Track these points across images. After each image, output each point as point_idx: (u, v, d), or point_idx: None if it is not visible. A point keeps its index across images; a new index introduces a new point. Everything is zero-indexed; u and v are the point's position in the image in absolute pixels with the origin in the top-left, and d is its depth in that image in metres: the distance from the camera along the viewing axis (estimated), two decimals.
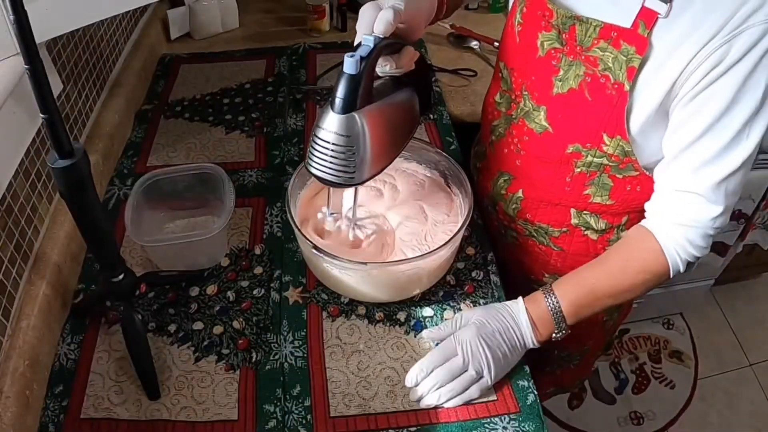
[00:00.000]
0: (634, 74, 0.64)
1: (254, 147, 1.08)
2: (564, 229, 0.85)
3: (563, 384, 1.25)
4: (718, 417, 1.72)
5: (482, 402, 0.72)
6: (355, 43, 0.62)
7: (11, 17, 0.48)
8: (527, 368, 0.76)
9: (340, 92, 0.61)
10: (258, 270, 0.86)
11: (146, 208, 0.86)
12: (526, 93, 0.77)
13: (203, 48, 1.38)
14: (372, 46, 0.60)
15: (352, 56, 0.59)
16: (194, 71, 1.28)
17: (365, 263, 0.73)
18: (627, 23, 0.63)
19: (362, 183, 0.66)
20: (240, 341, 0.77)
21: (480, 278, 0.86)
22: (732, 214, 1.60)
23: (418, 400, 0.71)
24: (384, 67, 0.65)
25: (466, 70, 1.30)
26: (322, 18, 1.40)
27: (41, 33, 0.70)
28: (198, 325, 0.79)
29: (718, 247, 1.62)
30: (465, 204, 0.81)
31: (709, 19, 0.58)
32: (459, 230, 0.75)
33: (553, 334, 0.75)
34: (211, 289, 0.84)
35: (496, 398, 0.72)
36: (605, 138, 0.71)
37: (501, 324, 0.73)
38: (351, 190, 0.77)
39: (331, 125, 0.62)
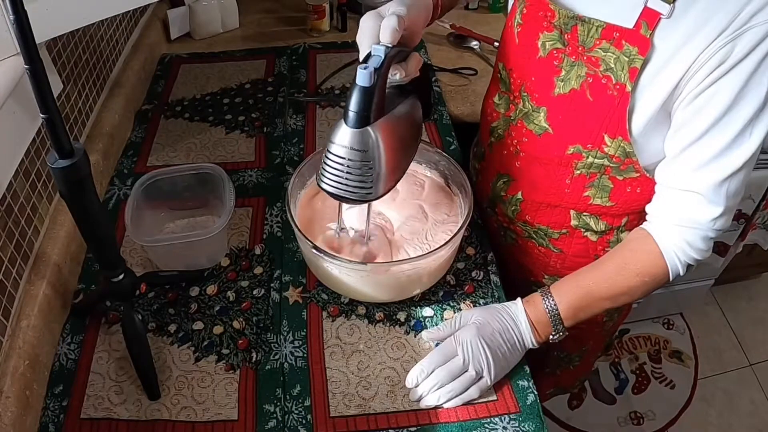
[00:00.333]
0: (636, 75, 0.64)
1: (254, 147, 1.08)
2: (564, 231, 0.85)
3: (563, 385, 1.24)
4: (718, 417, 1.72)
5: (482, 402, 0.72)
6: (361, 54, 0.61)
7: (11, 17, 0.48)
8: (527, 368, 0.76)
9: (354, 106, 0.59)
10: (258, 270, 0.86)
11: (146, 208, 0.86)
12: (525, 94, 0.77)
13: (203, 48, 1.38)
14: (383, 56, 0.58)
15: (365, 68, 0.57)
16: (194, 71, 1.29)
17: (365, 263, 0.73)
18: (629, 24, 0.63)
19: (378, 198, 0.64)
20: (240, 341, 0.77)
21: (480, 278, 0.86)
22: None
23: (418, 400, 0.71)
24: (394, 76, 0.64)
25: (467, 68, 1.30)
26: (322, 18, 1.40)
27: (41, 33, 0.70)
28: (198, 325, 0.79)
29: (718, 247, 1.62)
30: (465, 204, 0.81)
31: (713, 19, 0.58)
32: (459, 230, 0.75)
33: (551, 336, 0.75)
34: (211, 289, 0.84)
35: (496, 398, 0.72)
36: (606, 139, 0.70)
37: (501, 324, 0.73)
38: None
39: (345, 140, 0.60)
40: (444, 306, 0.82)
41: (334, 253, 0.72)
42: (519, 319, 0.74)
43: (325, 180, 0.63)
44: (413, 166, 0.91)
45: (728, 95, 0.60)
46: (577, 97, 0.70)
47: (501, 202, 0.89)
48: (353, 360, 0.76)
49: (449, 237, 0.76)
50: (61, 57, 0.92)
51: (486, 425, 0.70)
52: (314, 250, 0.72)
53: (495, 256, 0.89)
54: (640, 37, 0.62)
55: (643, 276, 0.71)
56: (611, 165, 0.73)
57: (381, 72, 0.58)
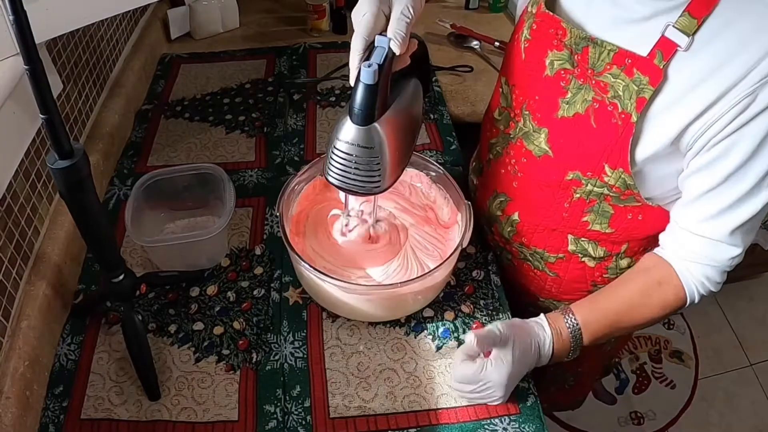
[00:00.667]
0: (643, 106, 0.61)
1: (254, 147, 1.08)
2: (560, 255, 0.82)
3: (558, 402, 1.23)
4: (718, 417, 1.71)
5: (482, 403, 0.72)
6: (356, 44, 0.60)
7: (11, 17, 0.48)
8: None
9: (360, 103, 0.58)
10: (258, 270, 0.86)
11: (146, 208, 0.86)
12: (527, 113, 0.74)
13: (203, 48, 1.38)
14: (386, 48, 0.58)
15: (369, 66, 0.56)
16: (194, 71, 1.28)
17: (367, 285, 0.73)
18: (644, 51, 0.60)
19: (386, 190, 0.64)
20: (240, 342, 0.77)
21: (480, 278, 0.86)
22: None
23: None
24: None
25: (463, 66, 1.30)
26: (322, 18, 1.40)
27: (41, 33, 0.70)
28: (198, 326, 0.79)
29: None
30: (463, 217, 0.79)
31: (735, 61, 0.55)
32: (456, 249, 0.74)
33: (567, 356, 0.73)
34: (211, 290, 0.84)
35: None
36: (607, 169, 0.67)
37: (530, 347, 0.70)
38: None
39: (352, 138, 0.60)
40: (444, 306, 0.82)
41: (334, 275, 0.71)
42: (545, 336, 0.72)
43: (332, 174, 0.63)
44: (415, 172, 0.89)
45: (748, 146, 0.58)
46: (581, 122, 0.67)
47: (497, 222, 0.86)
48: (353, 361, 0.76)
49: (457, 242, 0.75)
50: (61, 57, 0.92)
51: (486, 426, 0.69)
52: (309, 270, 0.71)
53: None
54: (652, 67, 0.59)
55: (666, 308, 0.71)
56: (611, 194, 0.70)
57: (385, 67, 0.57)
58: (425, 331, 0.79)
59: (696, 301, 0.71)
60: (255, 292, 0.83)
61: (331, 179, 0.63)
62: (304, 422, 0.70)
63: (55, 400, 0.71)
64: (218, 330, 0.79)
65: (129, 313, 0.73)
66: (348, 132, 0.60)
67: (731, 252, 0.66)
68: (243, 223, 0.94)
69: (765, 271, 1.99)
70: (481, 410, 0.71)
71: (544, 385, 1.08)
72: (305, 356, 0.76)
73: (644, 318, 0.73)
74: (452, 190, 0.82)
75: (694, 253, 0.68)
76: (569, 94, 0.68)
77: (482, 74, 1.29)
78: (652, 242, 0.75)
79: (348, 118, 0.60)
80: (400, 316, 0.80)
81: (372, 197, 0.75)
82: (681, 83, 0.59)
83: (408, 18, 0.59)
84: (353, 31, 0.61)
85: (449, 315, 0.81)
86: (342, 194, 0.77)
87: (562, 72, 0.68)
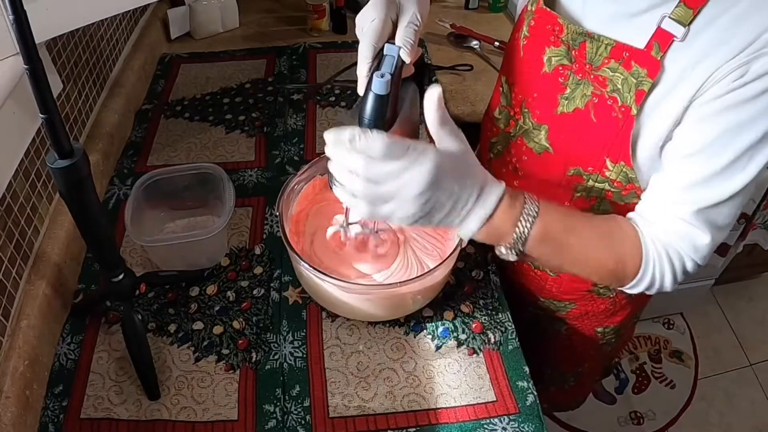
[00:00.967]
0: (642, 98, 0.60)
1: (254, 147, 1.08)
2: None
3: (558, 402, 1.23)
4: (718, 417, 1.71)
5: (482, 403, 0.72)
6: (365, 52, 0.58)
7: (11, 17, 0.48)
8: (527, 369, 0.76)
9: (370, 114, 0.56)
10: (258, 270, 0.86)
11: (146, 207, 0.86)
12: (526, 110, 0.73)
13: (203, 48, 1.38)
14: (396, 56, 0.57)
15: (382, 76, 0.55)
16: (194, 71, 1.28)
17: (365, 284, 0.72)
18: (641, 44, 0.60)
19: None
20: (240, 341, 0.77)
21: (480, 278, 0.86)
22: None
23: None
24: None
25: (462, 65, 1.30)
26: (322, 17, 1.40)
27: (41, 33, 0.70)
28: (198, 325, 0.79)
29: (718, 247, 1.62)
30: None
31: (728, 43, 0.54)
32: (456, 248, 0.73)
33: (500, 249, 0.61)
34: (211, 289, 0.84)
35: (495, 399, 0.72)
36: (608, 163, 0.67)
37: (462, 189, 0.55)
38: None
39: None
40: (444, 306, 0.82)
41: (335, 276, 0.70)
42: (497, 185, 0.58)
43: (338, 185, 0.60)
44: None
45: (728, 119, 0.56)
46: (581, 117, 0.67)
47: None
48: (353, 360, 0.76)
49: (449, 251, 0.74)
50: (60, 57, 0.92)
51: (485, 426, 0.70)
52: (316, 273, 0.70)
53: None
54: (650, 59, 0.59)
55: (617, 262, 0.64)
56: (612, 190, 0.70)
57: (395, 77, 0.56)
58: (425, 330, 0.79)
59: (645, 281, 0.65)
60: (255, 292, 0.83)
61: (336, 191, 0.61)
62: (303, 422, 0.70)
63: (54, 399, 0.71)
64: (218, 329, 0.79)
65: (129, 312, 0.74)
66: None
67: (698, 237, 0.62)
68: (243, 223, 0.94)
69: (765, 271, 1.99)
70: (480, 410, 0.71)
71: (543, 385, 1.08)
72: (305, 356, 0.76)
73: (594, 255, 0.63)
74: None
75: (662, 229, 0.64)
76: (568, 90, 0.68)
77: (482, 74, 1.30)
78: None
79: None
80: (399, 316, 0.80)
81: None
82: (675, 72, 0.59)
83: (416, 26, 0.58)
84: (355, 33, 0.60)
85: (449, 315, 0.81)
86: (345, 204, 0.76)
87: (560, 68, 0.68)
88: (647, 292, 0.68)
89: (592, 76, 0.65)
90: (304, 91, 1.22)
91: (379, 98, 0.56)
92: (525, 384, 0.74)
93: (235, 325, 0.79)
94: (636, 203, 0.70)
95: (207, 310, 0.81)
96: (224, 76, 1.27)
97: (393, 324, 0.80)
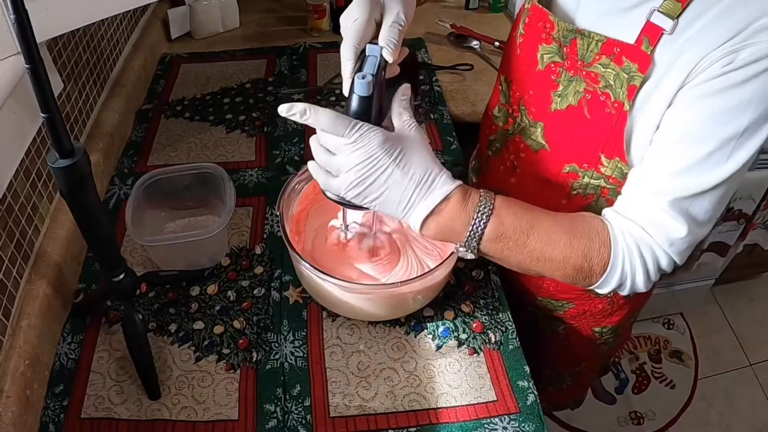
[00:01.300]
0: (634, 93, 0.60)
1: (255, 146, 1.08)
2: None
3: (555, 402, 1.22)
4: (718, 417, 1.71)
5: (482, 402, 0.72)
6: (347, 53, 0.58)
7: (12, 17, 0.48)
8: (527, 369, 0.76)
9: (355, 115, 0.57)
10: (258, 269, 0.87)
11: (147, 207, 0.86)
12: (523, 108, 0.74)
13: (203, 48, 1.38)
14: (378, 57, 0.57)
15: (363, 77, 0.55)
16: (194, 71, 1.29)
17: (365, 284, 0.72)
18: (630, 39, 0.59)
19: None
20: (240, 341, 0.77)
21: (480, 278, 0.86)
22: (732, 213, 1.60)
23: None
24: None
25: (463, 65, 1.30)
26: (322, 17, 1.40)
27: (42, 32, 0.70)
28: (198, 325, 0.79)
29: (718, 247, 1.62)
30: None
31: (715, 33, 0.54)
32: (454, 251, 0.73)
33: (458, 245, 0.61)
34: (211, 289, 0.84)
35: (496, 398, 0.72)
36: (603, 159, 0.67)
37: (408, 171, 0.57)
38: None
39: None
40: (444, 306, 0.82)
41: (335, 276, 0.70)
42: (435, 188, 0.58)
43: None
44: None
45: (714, 104, 0.55)
46: (575, 114, 0.67)
47: None
48: (353, 360, 0.76)
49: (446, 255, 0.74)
50: (61, 56, 0.92)
51: (486, 425, 0.70)
52: (316, 273, 0.70)
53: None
54: (640, 54, 0.59)
55: (585, 259, 0.62)
56: (608, 186, 0.69)
57: (378, 77, 0.57)
58: (425, 330, 0.79)
59: (614, 278, 0.63)
60: (255, 292, 0.83)
61: (329, 195, 0.62)
62: (304, 421, 0.70)
63: (55, 399, 0.71)
64: (218, 329, 0.79)
65: (129, 312, 0.74)
66: None
67: (673, 228, 0.60)
68: (243, 223, 0.94)
69: (765, 271, 1.99)
70: (480, 409, 0.71)
71: (541, 385, 1.08)
72: (305, 355, 0.76)
73: (556, 251, 0.61)
74: None
75: (637, 216, 0.62)
76: (561, 87, 0.68)
77: (482, 74, 1.30)
78: None
79: None
80: (400, 316, 0.80)
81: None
82: (665, 65, 0.58)
83: (400, 25, 0.58)
84: (340, 32, 0.60)
85: (449, 314, 0.81)
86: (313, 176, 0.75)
87: (552, 65, 0.68)
88: (620, 292, 0.66)
89: (584, 73, 0.65)
90: (304, 92, 1.22)
91: (362, 99, 0.57)
92: (525, 383, 0.74)
93: (236, 324, 0.79)
94: None
95: (207, 310, 0.81)
96: (224, 76, 1.27)
97: (393, 324, 0.80)
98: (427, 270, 0.72)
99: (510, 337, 0.79)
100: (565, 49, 0.66)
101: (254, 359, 0.76)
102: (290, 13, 1.52)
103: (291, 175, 0.91)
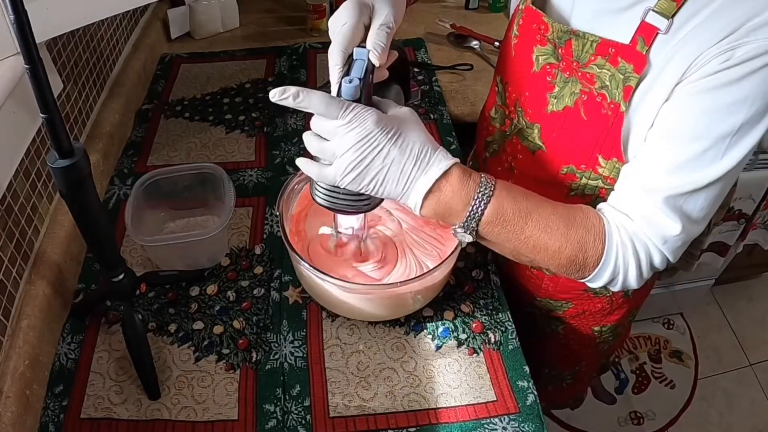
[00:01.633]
0: (630, 94, 0.60)
1: (254, 147, 1.08)
2: None
3: (555, 401, 1.22)
4: (718, 417, 1.71)
5: (482, 402, 0.72)
6: (334, 57, 0.58)
7: (11, 17, 0.48)
8: (527, 369, 0.76)
9: None
10: (258, 270, 0.87)
11: (146, 207, 0.86)
12: (519, 109, 0.73)
13: (203, 48, 1.38)
14: (366, 60, 0.56)
15: (350, 81, 0.55)
16: (194, 71, 1.28)
17: (365, 284, 0.72)
18: (625, 39, 0.59)
19: (375, 207, 0.62)
20: (240, 341, 0.77)
21: (480, 278, 0.86)
22: (732, 213, 1.59)
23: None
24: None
25: (463, 65, 1.30)
26: (322, 17, 1.40)
27: (41, 33, 0.70)
28: (198, 325, 0.79)
29: (718, 247, 1.62)
30: None
31: (711, 32, 0.54)
32: (456, 248, 0.73)
33: (456, 227, 0.60)
34: (211, 289, 0.84)
35: (495, 398, 0.72)
36: (600, 160, 0.66)
37: (407, 153, 0.56)
38: None
39: None
40: (444, 306, 0.82)
41: (333, 275, 0.70)
42: (431, 170, 0.57)
43: (319, 194, 0.61)
44: None
45: (709, 101, 0.55)
46: (571, 115, 0.67)
47: None
48: (353, 360, 0.76)
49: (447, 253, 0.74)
50: (61, 56, 0.92)
51: (486, 426, 0.70)
52: (309, 270, 0.70)
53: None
54: (636, 54, 0.58)
55: (579, 250, 0.61)
56: (606, 187, 0.69)
57: (366, 81, 0.56)
58: (425, 330, 0.79)
59: (607, 272, 0.62)
60: (255, 292, 0.83)
61: (318, 200, 0.61)
62: (303, 421, 0.70)
63: (55, 399, 0.71)
64: (218, 329, 0.79)
65: (129, 312, 0.74)
66: None
67: (667, 226, 0.60)
68: (243, 223, 0.94)
69: (765, 271, 1.99)
70: (480, 409, 0.71)
71: (541, 384, 1.08)
72: (305, 355, 0.76)
73: (552, 240, 0.61)
74: None
75: (632, 212, 0.62)
76: (556, 89, 0.67)
77: (482, 74, 1.30)
78: None
79: None
80: (399, 316, 0.80)
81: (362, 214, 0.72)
82: (660, 64, 0.58)
83: (389, 28, 0.58)
84: (328, 35, 0.60)
85: (449, 314, 0.81)
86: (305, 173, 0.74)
87: (548, 67, 0.68)
88: (612, 288, 0.66)
89: (579, 74, 0.64)
90: None
91: None
92: (525, 383, 0.74)
93: (236, 324, 0.79)
94: None
95: (207, 310, 0.81)
96: (224, 76, 1.27)
97: (393, 324, 0.80)
98: (426, 270, 0.72)
99: (509, 337, 0.79)
100: (560, 50, 0.66)
101: (254, 359, 0.76)
102: (290, 13, 1.52)
103: (290, 175, 0.91)
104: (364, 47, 0.58)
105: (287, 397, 0.72)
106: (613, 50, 0.60)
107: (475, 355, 0.77)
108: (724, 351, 1.89)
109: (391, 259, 0.78)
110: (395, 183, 0.56)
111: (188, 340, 0.78)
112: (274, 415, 0.70)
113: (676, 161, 0.58)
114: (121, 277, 0.72)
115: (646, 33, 0.58)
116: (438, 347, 0.78)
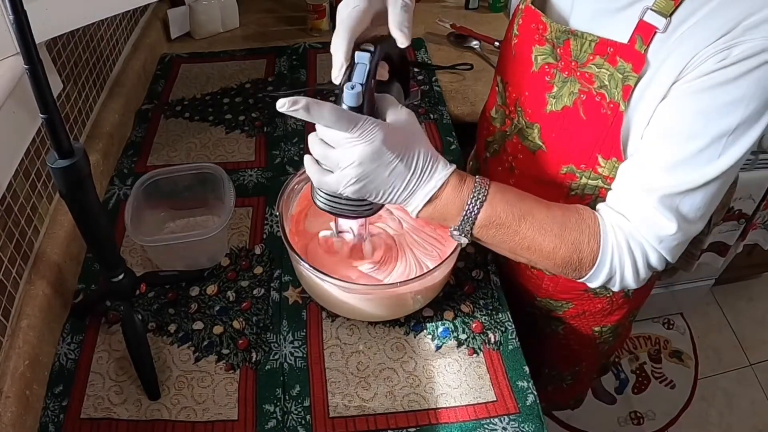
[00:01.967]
0: (629, 93, 0.59)
1: (254, 147, 1.08)
2: None
3: (555, 401, 1.22)
4: (718, 417, 1.71)
5: (482, 403, 0.72)
6: (339, 42, 0.56)
7: (11, 17, 0.48)
8: (526, 369, 0.76)
9: None
10: (258, 270, 0.86)
11: (146, 207, 0.86)
12: (519, 109, 0.73)
13: (203, 48, 1.38)
14: (368, 65, 0.55)
15: (352, 87, 0.54)
16: (194, 71, 1.28)
17: (366, 285, 0.72)
18: (624, 38, 0.59)
19: (376, 212, 0.63)
20: (240, 341, 0.77)
21: (480, 278, 0.86)
22: (732, 214, 1.59)
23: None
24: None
25: (463, 64, 1.30)
26: (322, 17, 1.40)
27: (41, 33, 0.70)
28: (198, 325, 0.79)
29: (718, 247, 1.62)
30: None
31: (708, 31, 0.54)
32: (455, 248, 0.73)
33: (452, 229, 0.62)
34: (211, 289, 0.84)
35: (495, 399, 0.72)
36: (600, 159, 0.66)
37: (409, 164, 0.57)
38: None
39: None
40: (444, 306, 0.82)
41: (335, 276, 0.70)
42: (434, 177, 0.58)
43: (321, 199, 0.61)
44: None
45: (706, 100, 0.55)
46: (570, 115, 0.67)
47: None
48: (353, 360, 0.76)
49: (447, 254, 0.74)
50: (61, 57, 0.92)
51: (486, 426, 0.70)
52: (309, 270, 0.70)
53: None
54: (634, 53, 0.58)
55: (574, 250, 0.62)
56: (606, 187, 0.69)
57: (368, 85, 0.55)
58: (425, 330, 0.79)
59: (603, 272, 0.63)
60: (255, 292, 0.83)
61: (319, 204, 0.61)
62: (303, 421, 0.70)
63: (54, 399, 0.71)
64: (218, 329, 0.79)
65: (129, 312, 0.74)
66: None
67: (663, 225, 0.60)
68: (243, 223, 0.94)
69: (765, 271, 1.99)
70: (480, 409, 0.71)
71: (541, 384, 1.08)
72: (305, 356, 0.76)
73: (547, 241, 0.61)
74: None
75: (628, 211, 0.62)
76: (555, 89, 0.67)
77: (482, 74, 1.30)
78: None
79: None
80: (399, 316, 0.80)
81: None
82: (658, 63, 0.58)
83: (407, 4, 0.57)
84: (336, 21, 0.58)
85: (449, 314, 0.81)
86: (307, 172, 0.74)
87: (546, 67, 0.68)
88: (610, 287, 0.66)
89: (578, 73, 0.64)
90: (303, 92, 1.22)
91: (351, 110, 0.55)
92: (525, 384, 0.74)
93: (235, 325, 0.79)
94: None
95: (207, 310, 0.81)
96: (224, 76, 1.27)
97: (393, 324, 0.80)
98: (426, 270, 0.72)
99: (509, 337, 0.79)
100: (558, 50, 0.66)
101: (254, 359, 0.76)
102: (290, 13, 1.52)
103: (290, 175, 0.91)
104: (367, 51, 0.57)
105: (287, 397, 0.72)
106: (611, 50, 0.60)
107: (475, 355, 0.77)
108: (724, 351, 1.89)
109: (391, 260, 0.78)
110: (397, 194, 0.58)
111: (188, 341, 0.78)
112: (274, 415, 0.70)
113: (673, 160, 0.58)
114: (121, 277, 0.72)
115: (645, 32, 0.58)
116: (438, 347, 0.78)
